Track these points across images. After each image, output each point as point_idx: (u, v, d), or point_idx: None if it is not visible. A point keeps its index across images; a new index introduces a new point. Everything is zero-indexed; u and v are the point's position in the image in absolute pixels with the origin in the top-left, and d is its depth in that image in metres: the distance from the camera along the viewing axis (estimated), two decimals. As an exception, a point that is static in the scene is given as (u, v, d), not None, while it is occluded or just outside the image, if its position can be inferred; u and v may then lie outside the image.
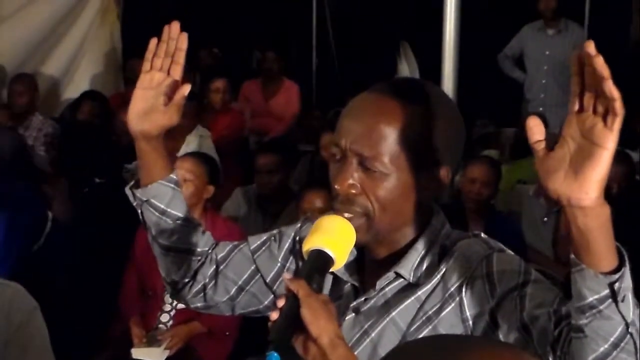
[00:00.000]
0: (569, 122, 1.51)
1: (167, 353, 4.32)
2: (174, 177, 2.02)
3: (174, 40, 1.96)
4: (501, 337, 1.75)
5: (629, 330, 1.55)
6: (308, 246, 1.75)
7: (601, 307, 1.53)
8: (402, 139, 1.78)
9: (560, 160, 1.51)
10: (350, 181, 1.79)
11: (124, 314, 4.52)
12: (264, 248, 2.07)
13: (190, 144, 6.44)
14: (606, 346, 1.55)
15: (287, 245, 2.06)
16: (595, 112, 1.47)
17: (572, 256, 1.54)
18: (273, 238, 2.07)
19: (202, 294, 2.08)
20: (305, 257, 1.76)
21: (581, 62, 1.47)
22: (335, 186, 1.80)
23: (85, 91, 7.12)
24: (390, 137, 1.77)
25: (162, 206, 2.01)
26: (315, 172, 6.08)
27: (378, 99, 1.82)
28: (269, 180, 5.28)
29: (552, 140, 1.57)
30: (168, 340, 4.34)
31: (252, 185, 5.47)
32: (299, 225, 2.07)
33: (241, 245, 2.09)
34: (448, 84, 4.77)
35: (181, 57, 1.95)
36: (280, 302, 1.66)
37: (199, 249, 2.06)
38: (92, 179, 5.40)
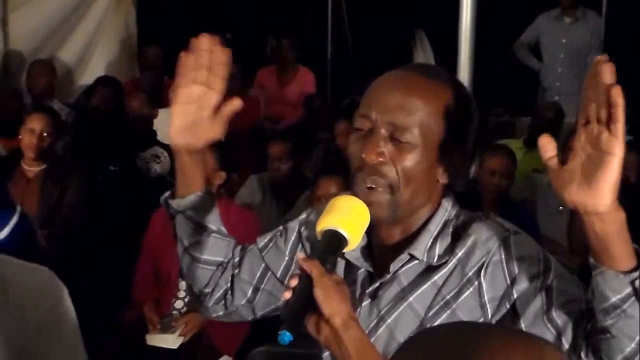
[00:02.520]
0: (579, 135, 1.55)
1: (181, 339, 4.34)
2: (211, 190, 2.02)
3: (205, 51, 1.88)
4: (523, 326, 1.75)
5: None
6: (322, 226, 1.75)
7: (625, 307, 1.57)
8: (432, 115, 1.80)
9: (573, 172, 1.55)
10: (380, 149, 1.80)
11: (138, 300, 4.54)
12: (270, 245, 2.08)
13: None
14: (633, 345, 1.59)
15: (293, 238, 2.06)
16: (599, 121, 1.51)
17: (592, 260, 1.58)
18: (279, 234, 2.08)
19: (223, 301, 2.09)
20: (319, 237, 1.76)
21: (594, 76, 1.51)
22: (363, 155, 1.80)
23: (99, 77, 7.12)
24: (421, 111, 1.80)
25: (198, 218, 2.01)
26: (330, 160, 6.07)
27: (411, 75, 1.86)
28: (281, 167, 5.29)
29: (568, 130, 1.59)
30: (182, 326, 4.35)
31: (266, 172, 5.47)
32: (304, 216, 2.08)
33: (251, 246, 2.10)
34: (464, 72, 4.76)
35: (220, 70, 1.88)
36: (294, 282, 1.67)
37: (226, 260, 2.08)
38: (107, 167, 5.42)
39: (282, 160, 5.28)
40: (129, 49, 8.23)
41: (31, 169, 5.04)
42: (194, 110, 1.90)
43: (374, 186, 1.80)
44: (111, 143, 5.84)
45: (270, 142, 5.49)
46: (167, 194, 2.03)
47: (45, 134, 4.98)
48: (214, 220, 2.04)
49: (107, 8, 8.04)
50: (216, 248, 2.05)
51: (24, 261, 2.10)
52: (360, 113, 1.84)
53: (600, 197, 1.52)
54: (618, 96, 1.47)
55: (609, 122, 1.50)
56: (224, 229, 2.07)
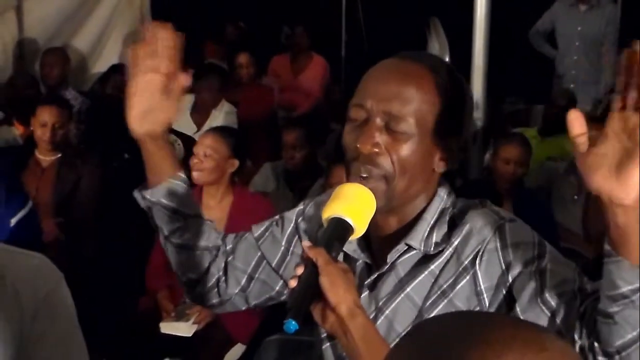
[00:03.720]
0: (613, 119, 1.51)
1: (195, 327, 4.35)
2: (182, 174, 2.01)
3: (163, 40, 1.88)
4: (519, 310, 1.76)
5: None
6: (327, 214, 1.75)
7: (634, 298, 1.56)
8: (427, 103, 1.80)
9: (603, 157, 1.51)
10: (375, 140, 1.79)
11: (152, 289, 4.55)
12: (266, 234, 2.07)
13: (216, 118, 6.48)
14: (634, 334, 1.59)
15: (289, 228, 2.06)
16: (637, 110, 1.48)
17: (608, 247, 1.57)
18: (275, 223, 2.08)
19: (216, 289, 2.09)
20: (325, 224, 1.76)
21: (633, 58, 1.49)
22: (358, 145, 1.79)
23: (113, 65, 7.13)
24: (417, 100, 1.79)
25: (173, 205, 2.00)
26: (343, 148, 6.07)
27: (406, 64, 1.84)
28: (295, 155, 5.29)
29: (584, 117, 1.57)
30: (196, 314, 4.36)
31: (280, 160, 5.47)
32: (301, 207, 2.08)
33: (246, 235, 2.10)
34: (478, 60, 4.75)
35: (167, 52, 1.88)
36: (299, 270, 1.67)
37: (211, 244, 2.07)
38: (121, 155, 5.42)
39: (296, 148, 5.28)
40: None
41: (45, 158, 5.05)
42: (147, 97, 1.91)
43: (368, 176, 1.79)
44: (125, 131, 5.85)
45: (284, 130, 5.49)
46: (138, 188, 2.02)
47: (56, 126, 4.98)
48: (190, 205, 2.03)
49: (121, -2, 8.05)
50: (196, 232, 2.04)
51: (20, 248, 2.10)
52: (355, 102, 1.84)
53: (628, 189, 1.50)
54: None
55: None
56: (201, 213, 2.07)
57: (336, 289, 1.65)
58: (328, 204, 1.76)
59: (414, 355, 1.02)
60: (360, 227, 1.75)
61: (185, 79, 1.92)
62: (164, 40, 1.90)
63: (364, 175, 1.79)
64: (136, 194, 2.03)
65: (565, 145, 5.90)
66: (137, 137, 1.95)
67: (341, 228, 1.73)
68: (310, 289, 1.65)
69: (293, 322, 1.59)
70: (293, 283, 1.66)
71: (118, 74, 6.72)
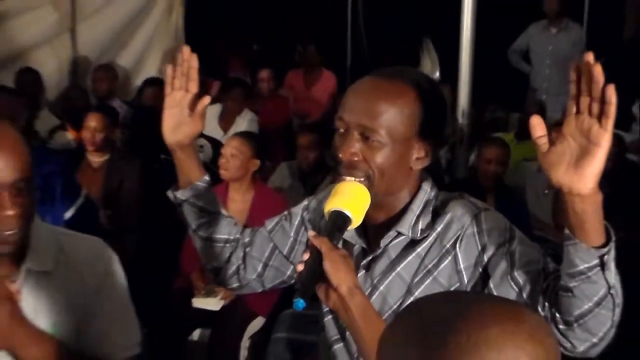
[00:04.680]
0: (569, 122, 1.53)
1: (222, 302, 4.36)
2: (207, 178, 2.03)
3: (187, 61, 1.95)
4: (492, 286, 1.77)
5: (610, 291, 1.59)
6: (329, 207, 1.76)
7: (590, 274, 1.57)
8: (397, 114, 1.79)
9: (561, 155, 1.53)
10: (352, 150, 1.79)
11: (186, 270, 4.56)
12: (277, 227, 2.08)
13: (240, 125, 6.48)
14: (590, 304, 1.59)
15: (297, 221, 2.07)
16: (590, 113, 1.49)
17: (567, 231, 1.58)
18: (284, 218, 2.09)
19: (236, 275, 2.10)
20: (326, 217, 1.77)
21: (579, 71, 1.49)
22: (340, 155, 1.80)
23: (147, 78, 7.14)
24: (387, 113, 1.78)
25: (200, 204, 2.02)
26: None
27: (377, 81, 1.84)
28: (309, 156, 5.28)
29: (550, 124, 1.58)
30: (223, 292, 4.37)
31: (295, 160, 5.47)
32: (305, 202, 2.09)
33: (260, 229, 2.11)
34: (465, 75, 4.74)
35: (194, 74, 1.94)
36: (306, 256, 1.69)
37: (231, 238, 2.08)
38: (159, 156, 5.42)
39: (309, 149, 5.27)
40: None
41: (95, 159, 5.05)
42: (178, 112, 1.95)
43: (352, 178, 1.80)
44: (161, 136, 5.85)
45: (299, 134, 5.49)
46: (172, 187, 2.05)
47: (100, 131, 4.98)
48: (213, 204, 2.05)
49: (160, 19, 8.06)
50: (219, 227, 2.06)
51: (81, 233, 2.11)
52: (338, 116, 1.84)
53: (585, 181, 1.50)
54: (612, 95, 1.45)
55: (600, 116, 1.47)
56: (223, 211, 2.08)
57: (337, 272, 1.67)
58: (329, 199, 1.78)
59: (409, 332, 1.02)
60: (357, 218, 1.76)
61: (206, 100, 1.96)
62: (190, 62, 1.94)
63: (347, 179, 1.80)
64: (169, 193, 2.05)
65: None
66: (169, 146, 1.98)
67: (341, 219, 1.75)
68: (315, 272, 1.67)
69: (301, 301, 1.60)
70: (300, 267, 1.68)
71: (151, 86, 6.73)
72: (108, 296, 2.02)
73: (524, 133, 6.10)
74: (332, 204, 1.75)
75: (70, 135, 5.89)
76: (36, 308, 1.92)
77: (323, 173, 5.13)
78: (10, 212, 1.79)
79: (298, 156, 5.36)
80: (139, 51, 7.93)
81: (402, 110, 1.79)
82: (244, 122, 6.58)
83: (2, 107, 3.91)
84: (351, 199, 1.76)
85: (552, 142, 1.55)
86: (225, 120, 6.65)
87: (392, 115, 1.78)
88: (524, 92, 7.87)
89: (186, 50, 1.95)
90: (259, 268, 2.08)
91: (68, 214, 3.96)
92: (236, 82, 7.06)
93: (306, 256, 1.68)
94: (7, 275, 1.89)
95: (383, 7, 9.40)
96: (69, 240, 2.04)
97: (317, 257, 1.67)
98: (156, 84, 6.75)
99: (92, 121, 5.00)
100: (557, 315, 1.65)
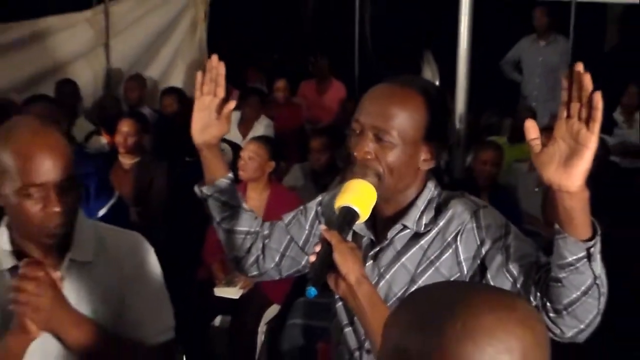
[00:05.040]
0: (559, 126, 1.53)
1: (241, 291, 4.36)
2: (231, 175, 2.03)
3: (215, 68, 1.95)
4: (489, 277, 1.76)
5: (596, 281, 1.58)
6: (338, 204, 1.75)
7: (578, 265, 1.56)
8: (408, 118, 1.79)
9: (552, 155, 1.53)
10: (366, 149, 1.79)
11: (208, 262, 4.56)
12: (294, 221, 2.08)
13: (257, 130, 6.49)
14: (578, 293, 1.59)
15: (311, 215, 2.06)
16: (579, 118, 1.49)
17: (557, 226, 1.57)
18: (300, 212, 2.08)
19: (256, 264, 2.10)
20: (336, 212, 1.76)
21: (570, 79, 1.49)
22: (355, 153, 1.81)
23: (164, 89, 7.16)
24: (398, 117, 1.78)
25: (224, 198, 2.02)
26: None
27: (392, 88, 1.83)
28: (320, 158, 5.28)
29: (540, 128, 1.58)
30: (242, 281, 4.37)
31: (307, 162, 5.47)
32: (319, 198, 2.09)
33: (278, 222, 2.10)
34: (462, 83, 4.73)
35: (222, 81, 1.95)
36: (317, 248, 1.68)
37: (252, 230, 2.08)
38: (183, 158, 5.42)
39: (321, 152, 5.26)
40: (201, 66, 8.21)
41: (127, 161, 5.06)
42: (206, 115, 1.96)
43: (364, 175, 1.79)
44: (186, 139, 5.85)
45: (311, 138, 5.48)
46: (198, 183, 2.05)
47: (131, 135, 4.99)
48: (236, 199, 2.04)
49: (185, 34, 8.10)
50: (241, 220, 2.06)
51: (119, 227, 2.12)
52: (355, 118, 1.84)
53: (573, 179, 1.50)
54: (599, 101, 1.45)
55: (588, 120, 1.48)
56: (245, 205, 2.08)
57: (346, 262, 1.67)
58: (339, 195, 1.77)
59: (410, 318, 1.01)
60: (364, 213, 1.76)
61: (232, 104, 1.96)
62: (218, 70, 1.94)
63: (362, 175, 1.80)
64: (196, 188, 2.05)
65: (528, 150, 5.86)
66: (197, 145, 1.99)
67: (350, 214, 1.74)
68: (326, 262, 1.66)
69: (313, 289, 1.60)
70: (313, 258, 1.68)
71: (168, 95, 6.74)
72: (144, 285, 2.03)
73: (516, 137, 6.09)
74: (342, 201, 1.75)
75: (104, 139, 5.91)
76: (78, 295, 1.94)
77: (333, 173, 5.12)
78: (56, 209, 1.82)
79: (310, 158, 5.35)
80: (166, 63, 7.97)
81: (412, 115, 1.79)
82: (261, 127, 6.58)
83: (45, 114, 3.95)
84: (359, 196, 1.75)
85: (543, 144, 1.55)
86: (244, 126, 6.65)
87: (404, 119, 1.78)
88: (516, 99, 7.86)
89: (214, 58, 1.96)
90: (277, 258, 2.08)
91: (102, 212, 3.98)
92: (253, 91, 7.07)
93: (318, 248, 1.68)
94: (52, 264, 1.91)
95: (389, 24, 9.41)
96: (109, 234, 2.05)
97: (327, 249, 1.67)
98: (172, 93, 6.78)
99: (124, 126, 5.01)
100: (548, 303, 1.64)
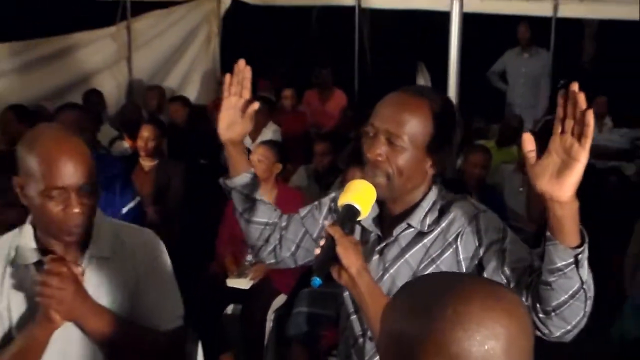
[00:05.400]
0: (554, 140, 1.51)
1: (251, 282, 4.35)
2: (253, 170, 2.02)
3: (242, 71, 1.94)
4: (486, 276, 1.74)
5: (583, 286, 1.57)
6: (341, 202, 1.76)
7: (566, 270, 1.54)
8: (418, 124, 1.78)
9: (546, 167, 1.50)
10: (378, 151, 1.78)
11: (220, 255, 4.55)
12: (308, 215, 2.06)
13: (265, 135, 6.48)
14: (566, 296, 1.57)
15: (325, 210, 2.05)
16: (572, 134, 1.47)
17: (548, 234, 1.55)
18: (315, 207, 2.07)
19: (273, 253, 2.08)
20: (340, 209, 1.76)
21: (566, 97, 1.47)
22: (368, 155, 1.80)
23: (172, 97, 7.15)
24: (410, 122, 1.77)
25: (246, 191, 2.01)
26: (356, 154, 6.03)
27: (406, 95, 1.82)
28: (323, 160, 5.27)
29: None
30: (252, 273, 4.36)
31: (312, 164, 5.46)
32: (333, 194, 2.07)
33: (295, 215, 2.09)
34: (452, 91, 4.70)
35: (248, 83, 1.93)
36: (322, 242, 1.68)
37: (270, 221, 2.06)
38: (199, 161, 5.42)
39: (324, 155, 5.26)
40: (215, 77, 8.27)
41: (147, 164, 5.04)
42: (232, 114, 1.93)
43: (377, 175, 1.79)
44: (201, 144, 5.85)
45: (315, 142, 5.48)
46: (223, 176, 2.04)
47: (152, 140, 4.98)
48: (257, 192, 2.03)
49: (200, 48, 8.13)
50: (261, 212, 2.04)
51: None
52: (369, 122, 1.83)
53: (564, 190, 1.48)
54: (591, 119, 1.44)
55: (580, 136, 1.46)
56: (265, 199, 2.07)
57: (348, 255, 1.67)
58: (342, 194, 1.77)
59: (406, 306, 1.01)
60: (365, 211, 1.75)
61: (256, 105, 1.95)
62: (244, 73, 1.93)
63: (372, 175, 1.79)
64: (221, 181, 2.04)
65: (514, 153, 5.86)
66: (223, 142, 1.97)
67: (351, 212, 1.74)
68: (330, 255, 1.66)
69: (317, 279, 1.60)
70: (317, 251, 1.68)
71: (174, 103, 6.74)
72: (156, 278, 2.04)
73: (503, 141, 6.08)
74: (344, 199, 1.75)
75: (126, 144, 5.91)
76: (97, 287, 1.96)
77: (335, 174, 5.11)
78: (76, 210, 1.84)
79: (314, 161, 5.35)
80: (183, 74, 8.00)
81: (423, 122, 1.78)
82: (269, 132, 6.57)
83: (74, 121, 3.99)
84: (360, 195, 1.75)
85: (537, 156, 1.53)
86: (254, 131, 6.63)
87: (415, 125, 1.77)
88: (502, 106, 7.88)
89: (242, 62, 1.94)
90: (292, 248, 2.07)
91: (125, 210, 3.99)
92: (262, 100, 7.05)
93: (322, 242, 1.68)
94: (73, 260, 1.93)
95: (386, 39, 9.41)
96: (125, 231, 2.06)
97: (331, 243, 1.67)
98: (178, 101, 6.79)
99: (145, 132, 5.00)
100: (538, 305, 1.62)
